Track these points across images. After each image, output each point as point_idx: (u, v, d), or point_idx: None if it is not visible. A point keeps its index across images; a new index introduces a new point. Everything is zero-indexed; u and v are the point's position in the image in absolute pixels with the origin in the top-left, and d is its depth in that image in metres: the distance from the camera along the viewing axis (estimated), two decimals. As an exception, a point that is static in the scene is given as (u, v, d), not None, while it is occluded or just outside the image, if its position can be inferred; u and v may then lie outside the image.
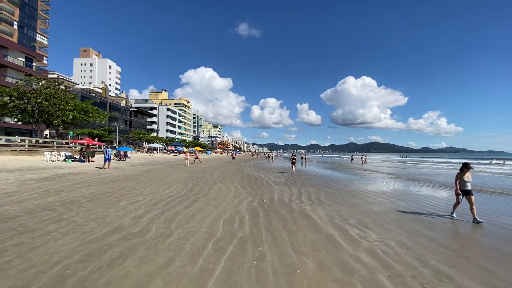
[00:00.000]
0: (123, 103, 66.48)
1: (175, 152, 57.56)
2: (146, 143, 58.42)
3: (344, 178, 16.96)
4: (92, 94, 53.83)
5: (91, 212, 5.84)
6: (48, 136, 37.94)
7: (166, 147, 59.44)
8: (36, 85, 22.78)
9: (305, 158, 36.60)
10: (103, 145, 18.73)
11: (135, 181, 11.59)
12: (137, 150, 50.28)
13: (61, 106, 22.67)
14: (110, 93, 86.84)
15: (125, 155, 26.84)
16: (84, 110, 26.65)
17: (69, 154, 21.67)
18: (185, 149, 49.53)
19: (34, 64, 39.46)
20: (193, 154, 31.03)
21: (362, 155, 40.72)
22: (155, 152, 52.02)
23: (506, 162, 48.44)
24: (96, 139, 34.36)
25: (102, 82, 69.96)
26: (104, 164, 16.94)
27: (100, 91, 57.63)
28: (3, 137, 22.20)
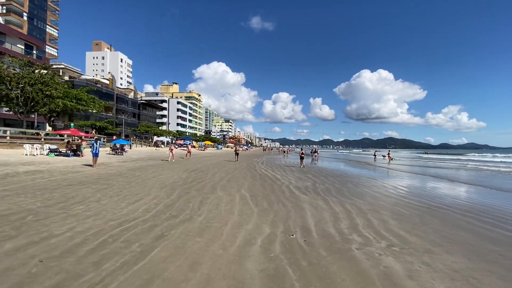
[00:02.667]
0: (131, 95, 64.29)
1: (183, 146, 54.83)
2: (155, 136, 56.00)
3: (389, 182, 12.94)
4: (98, 85, 51.67)
5: None
6: (51, 130, 35.77)
7: (174, 141, 56.78)
8: (20, 69, 20.06)
9: (317, 153, 32.20)
10: (94, 138, 15.54)
11: (103, 186, 8.20)
12: (143, 144, 47.78)
13: (47, 92, 19.86)
14: (121, 86, 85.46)
15: (122, 149, 23.87)
16: (76, 98, 23.83)
17: (54, 147, 18.81)
18: (172, 144, 46.56)
19: (34, 52, 37.24)
20: (188, 148, 27.34)
21: (389, 151, 36.08)
22: (162, 146, 49.40)
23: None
24: (94, 131, 31.70)
25: (109, 73, 68.03)
26: (94, 160, 13.78)
27: (107, 82, 55.46)
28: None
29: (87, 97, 25.36)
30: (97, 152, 13.74)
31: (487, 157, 54.79)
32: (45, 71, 21.35)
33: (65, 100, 21.96)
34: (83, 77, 51.08)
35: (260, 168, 17.88)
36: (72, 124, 35.46)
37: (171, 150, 20.38)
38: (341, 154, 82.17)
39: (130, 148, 38.76)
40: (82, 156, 18.10)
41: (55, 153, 17.82)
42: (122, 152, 24.02)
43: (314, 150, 30.03)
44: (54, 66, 51.90)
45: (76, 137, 22.96)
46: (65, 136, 23.94)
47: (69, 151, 18.37)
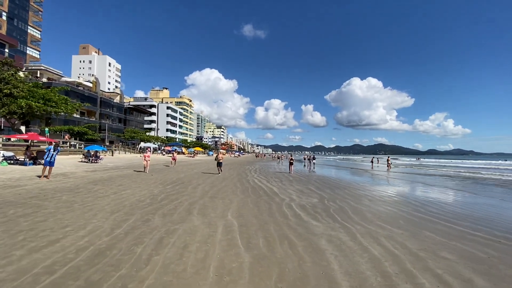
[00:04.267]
0: (117, 100, 61.06)
1: (171, 153, 51.87)
2: (142, 142, 52.83)
3: (412, 196, 10.81)
4: (79, 88, 48.52)
5: None
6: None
7: (161, 147, 53.79)
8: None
9: (312, 158, 28.52)
10: (54, 143, 12.85)
11: (29, 210, 5.68)
12: (128, 150, 44.66)
13: (5, 91, 17.04)
14: (108, 91, 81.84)
15: (96, 156, 21.03)
16: (44, 99, 20.95)
17: (9, 154, 15.94)
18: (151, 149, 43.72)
19: (6, 50, 34.13)
20: (173, 155, 24.27)
21: (388, 157, 34.19)
22: (148, 152, 46.35)
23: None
24: (67, 137, 28.59)
25: (92, 75, 64.80)
26: (44, 169, 10.99)
27: (90, 85, 52.25)
28: None
29: (58, 98, 22.47)
30: (52, 160, 11.06)
31: (485, 164, 54.13)
32: (8, 68, 18.50)
33: (29, 100, 19.09)
34: (63, 79, 47.82)
35: (253, 177, 15.52)
36: (46, 129, 32.28)
37: (146, 157, 16.27)
38: (335, 160, 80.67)
39: (112, 155, 35.72)
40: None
41: (9, 161, 14.97)
42: (96, 160, 21.20)
43: (311, 157, 27.65)
44: (32, 67, 48.56)
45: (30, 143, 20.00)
46: (31, 141, 20.99)
47: (27, 159, 15.54)
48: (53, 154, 11.07)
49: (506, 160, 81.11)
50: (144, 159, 16.22)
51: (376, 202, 8.42)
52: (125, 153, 41.71)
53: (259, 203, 7.57)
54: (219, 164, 16.91)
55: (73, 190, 8.56)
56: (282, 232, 4.88)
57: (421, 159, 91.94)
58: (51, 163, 11.08)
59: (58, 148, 11.88)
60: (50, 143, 15.14)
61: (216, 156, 17.31)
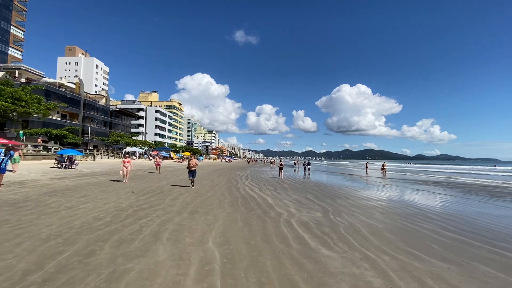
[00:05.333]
0: (102, 102, 58.42)
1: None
2: (128, 147, 50.34)
3: (430, 208, 9.55)
4: (61, 89, 45.94)
5: None
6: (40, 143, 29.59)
7: (148, 152, 51.54)
8: None
9: (307, 163, 25.95)
10: (6, 146, 10.96)
11: None
12: (112, 155, 42.25)
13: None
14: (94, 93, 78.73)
15: (71, 161, 18.98)
16: (13, 98, 18.81)
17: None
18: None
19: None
20: (156, 160, 21.68)
21: (383, 163, 33.19)
22: (134, 157, 44.04)
23: None
24: (39, 140, 26.19)
25: (76, 76, 62.09)
26: None
27: (74, 86, 49.65)
28: None
29: (29, 97, 20.32)
30: (2, 167, 9.23)
31: (476, 170, 54.42)
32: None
33: (-6, 99, 17.02)
34: (44, 79, 45.09)
35: (244, 185, 13.98)
36: (21, 132, 29.80)
37: (124, 163, 12.75)
38: (326, 165, 79.95)
39: (94, 160, 33.36)
40: (14, 171, 13.50)
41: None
42: (71, 165, 19.17)
43: (307, 162, 26.17)
44: (12, 67, 45.66)
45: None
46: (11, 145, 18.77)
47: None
48: (3, 159, 9.24)
49: (495, 166, 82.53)
50: (124, 166, 12.67)
51: (390, 216, 7.07)
52: (108, 158, 39.33)
53: (251, 220, 6.06)
54: (191, 174, 11.83)
55: (16, 204, 6.82)
56: (284, 271, 3.39)
57: (412, 164, 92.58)
58: (1, 170, 9.24)
59: (11, 152, 10.03)
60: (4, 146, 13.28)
61: (188, 162, 12.16)
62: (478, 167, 66.32)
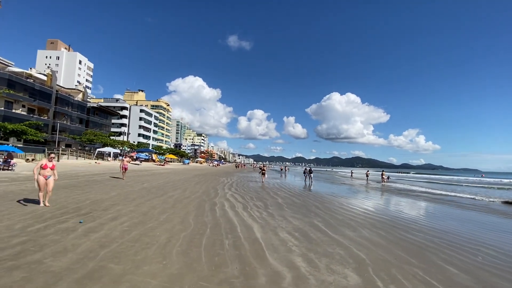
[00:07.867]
0: (79, 97, 53.42)
1: (137, 160, 45.12)
2: (107, 147, 45.60)
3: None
4: (29, 80, 41.04)
5: None
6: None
7: (123, 153, 46.96)
8: None
9: (309, 171, 22.22)
10: None
11: None
12: (83, 155, 37.60)
13: None
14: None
15: (6, 161, 14.83)
16: None
17: None
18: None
19: None
20: (123, 162, 16.64)
21: (383, 171, 30.46)
22: (108, 158, 39.52)
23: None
24: None
25: (48, 67, 56.90)
26: None
27: (45, 78, 44.74)
28: None
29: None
30: None
31: (471, 179, 52.86)
32: None
33: None
34: (10, 68, 40.08)
35: (224, 198, 10.36)
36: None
37: (45, 168, 7.14)
38: (320, 173, 77.13)
39: (58, 161, 28.85)
40: None
41: None
42: (8, 167, 15.02)
43: (308, 169, 21.88)
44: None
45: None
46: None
47: None
48: None
49: (483, 176, 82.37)
50: (40, 170, 6.99)
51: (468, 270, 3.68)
52: (76, 158, 34.72)
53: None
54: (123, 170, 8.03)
55: None
56: None
57: (401, 173, 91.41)
58: None
59: None
60: None
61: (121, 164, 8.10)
62: (468, 178, 65.27)
